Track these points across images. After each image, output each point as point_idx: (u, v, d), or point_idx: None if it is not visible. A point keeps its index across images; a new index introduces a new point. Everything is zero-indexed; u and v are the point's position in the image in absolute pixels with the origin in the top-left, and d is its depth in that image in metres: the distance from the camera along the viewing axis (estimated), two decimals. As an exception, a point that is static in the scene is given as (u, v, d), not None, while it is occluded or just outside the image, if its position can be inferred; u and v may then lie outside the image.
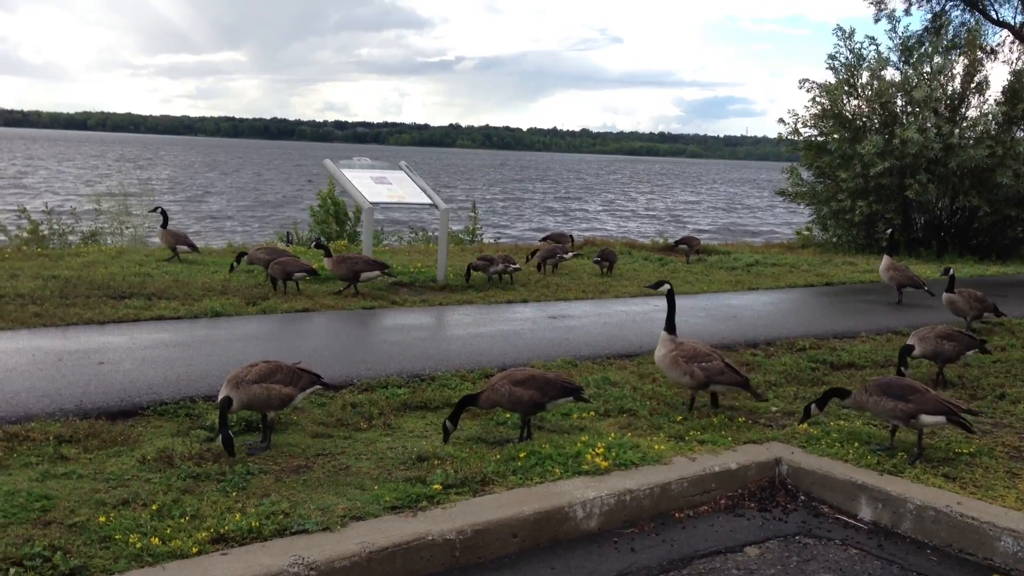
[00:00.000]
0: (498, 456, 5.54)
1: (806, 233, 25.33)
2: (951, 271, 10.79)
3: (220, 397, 5.46)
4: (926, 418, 5.72)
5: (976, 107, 22.26)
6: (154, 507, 4.53)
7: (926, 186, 20.69)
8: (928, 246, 21.76)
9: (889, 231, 15.81)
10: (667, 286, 6.98)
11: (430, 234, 21.57)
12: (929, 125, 20.76)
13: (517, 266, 13.26)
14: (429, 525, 4.53)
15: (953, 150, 20.56)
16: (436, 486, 4.96)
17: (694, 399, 6.91)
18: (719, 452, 5.87)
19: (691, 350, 6.70)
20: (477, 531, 4.59)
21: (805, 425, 6.31)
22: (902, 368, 7.36)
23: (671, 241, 19.96)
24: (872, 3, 24.23)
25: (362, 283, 11.54)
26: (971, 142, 21.04)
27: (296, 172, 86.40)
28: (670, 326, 6.86)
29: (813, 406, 6.12)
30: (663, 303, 12.08)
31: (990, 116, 21.52)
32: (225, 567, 3.98)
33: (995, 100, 21.85)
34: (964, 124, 21.77)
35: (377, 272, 11.53)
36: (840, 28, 22.33)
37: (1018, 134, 21.73)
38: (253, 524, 4.34)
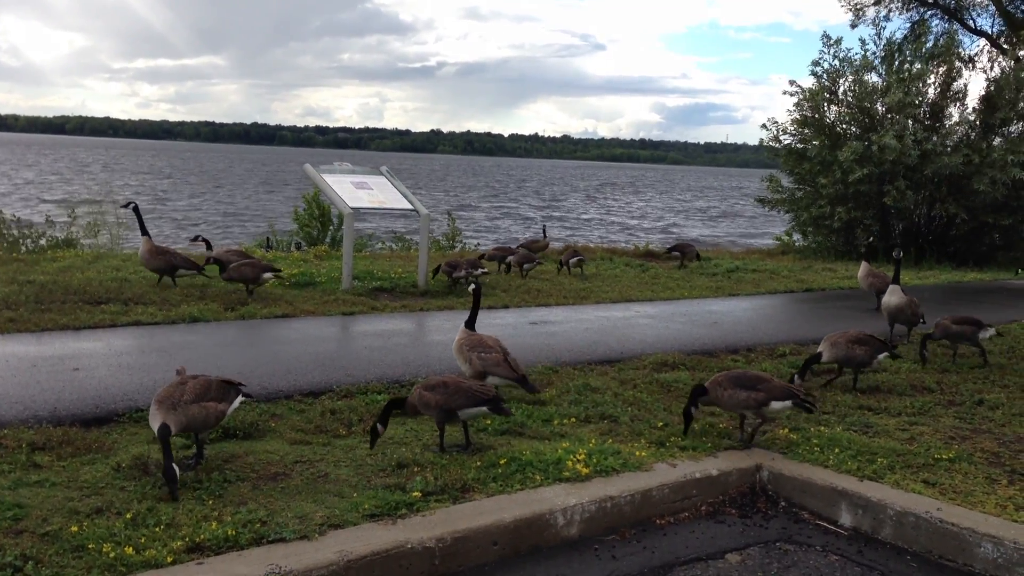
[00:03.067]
0: (478, 463, 5.50)
1: (786, 239, 25.47)
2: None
3: (157, 424, 4.93)
4: (775, 404, 6.06)
5: (953, 115, 22.50)
6: (128, 516, 4.46)
7: (904, 193, 20.84)
8: (906, 252, 21.93)
9: (868, 240, 15.93)
10: (475, 286, 7.31)
11: (408, 240, 21.53)
12: (907, 132, 20.93)
13: (484, 270, 13.29)
14: (408, 533, 4.48)
15: (929, 157, 20.73)
16: (416, 493, 4.92)
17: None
18: (700, 458, 5.86)
19: (478, 341, 6.89)
20: (457, 539, 4.55)
21: (693, 427, 6.30)
22: (804, 375, 7.55)
23: (665, 247, 19.97)
24: (850, 9, 24.46)
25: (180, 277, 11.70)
26: (948, 149, 21.24)
27: (270, 177, 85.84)
28: (470, 323, 7.10)
29: (692, 408, 6.20)
30: (643, 309, 12.22)
31: (967, 124, 21.72)
32: (200, 577, 3.92)
33: (973, 107, 22.09)
34: (942, 131, 21.98)
35: (195, 271, 11.69)
36: (827, 35, 22.59)
37: (995, 141, 21.94)
38: (229, 533, 4.28)
